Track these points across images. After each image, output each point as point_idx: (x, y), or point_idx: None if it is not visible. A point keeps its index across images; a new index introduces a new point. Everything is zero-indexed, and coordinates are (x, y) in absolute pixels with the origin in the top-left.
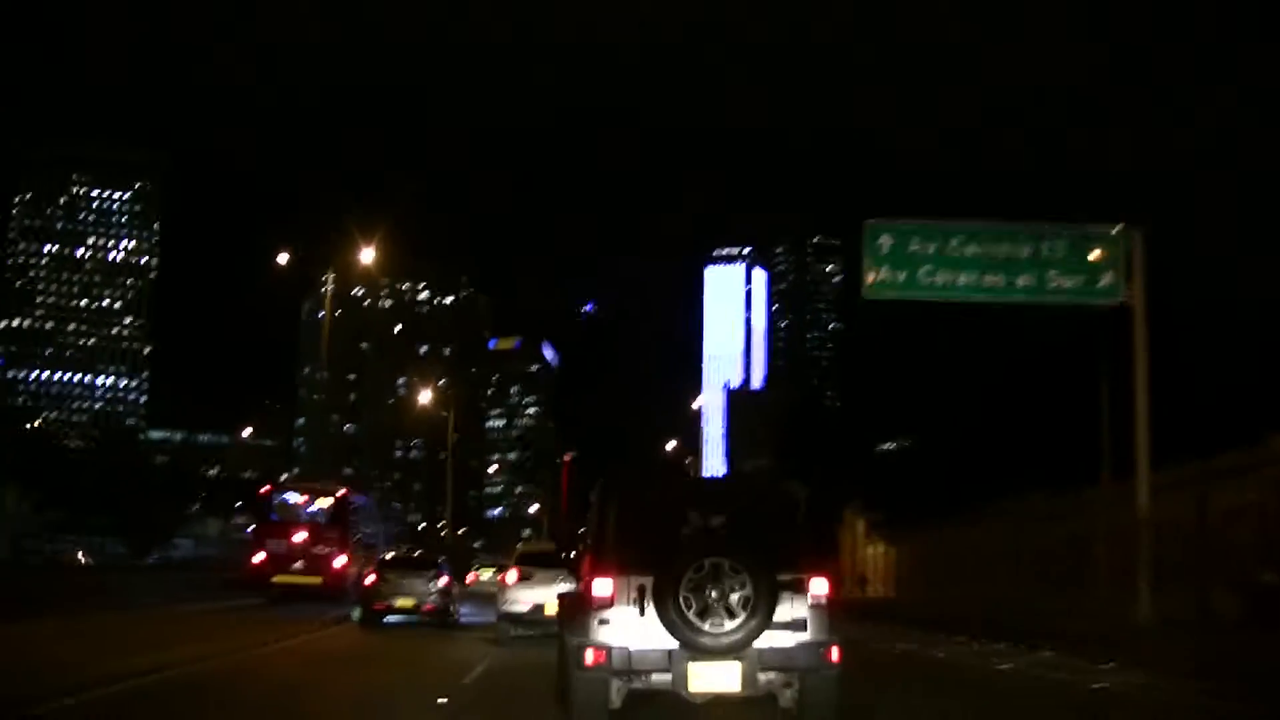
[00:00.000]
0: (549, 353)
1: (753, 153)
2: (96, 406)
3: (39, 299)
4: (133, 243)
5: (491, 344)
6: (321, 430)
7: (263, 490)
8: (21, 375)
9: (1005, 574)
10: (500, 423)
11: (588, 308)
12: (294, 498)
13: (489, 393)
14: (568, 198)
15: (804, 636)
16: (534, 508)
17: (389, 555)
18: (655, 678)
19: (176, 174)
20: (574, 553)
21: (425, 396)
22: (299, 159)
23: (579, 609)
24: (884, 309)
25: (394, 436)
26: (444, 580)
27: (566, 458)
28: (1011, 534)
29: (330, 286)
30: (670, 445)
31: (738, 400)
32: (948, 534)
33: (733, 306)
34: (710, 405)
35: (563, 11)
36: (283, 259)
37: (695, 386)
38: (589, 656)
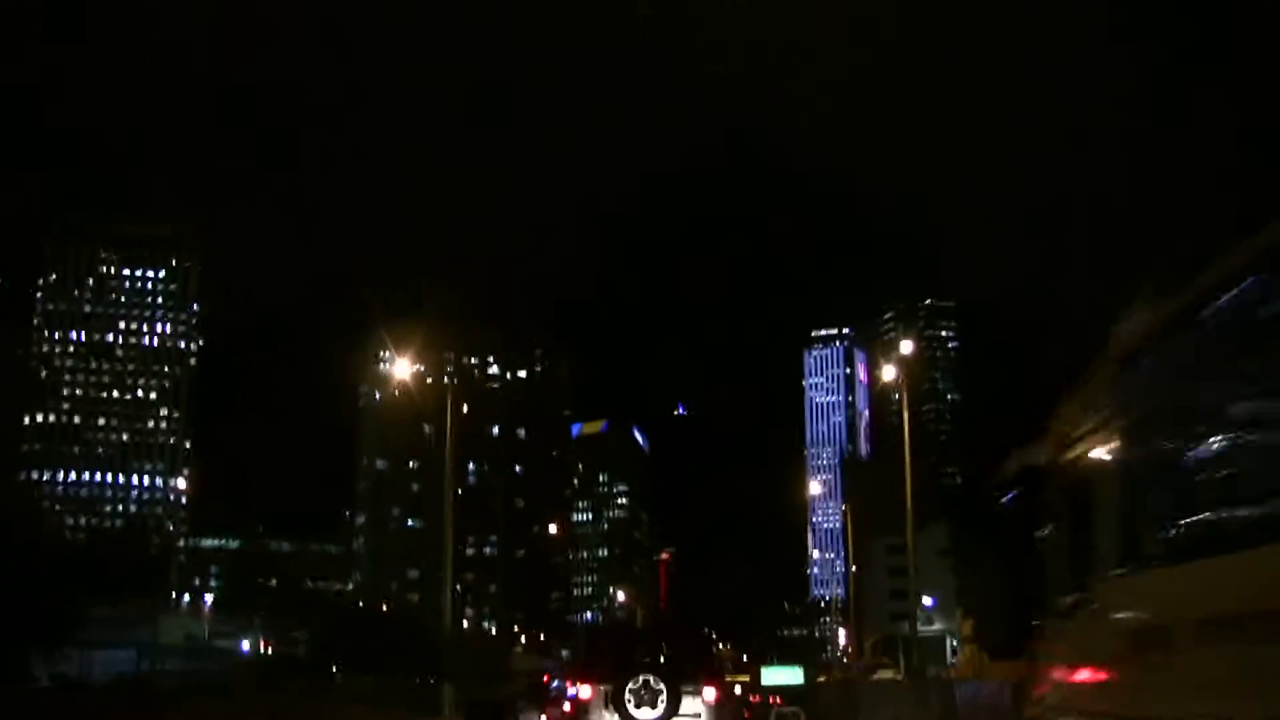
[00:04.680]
0: (639, 437)
1: (848, 217)
2: (131, 509)
3: (65, 391)
4: (169, 326)
5: (575, 430)
6: (381, 527)
7: (544, 679)
8: (47, 476)
9: None
10: (588, 515)
11: (679, 410)
12: (563, 683)
13: (575, 482)
14: (644, 267)
15: None
16: (620, 596)
17: None
18: None
19: (215, 249)
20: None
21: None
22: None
23: (574, 703)
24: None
25: (464, 531)
26: None
27: (664, 555)
28: None
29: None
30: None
31: (853, 476)
32: None
33: (834, 390)
34: (816, 489)
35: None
36: None
37: (799, 470)
38: None
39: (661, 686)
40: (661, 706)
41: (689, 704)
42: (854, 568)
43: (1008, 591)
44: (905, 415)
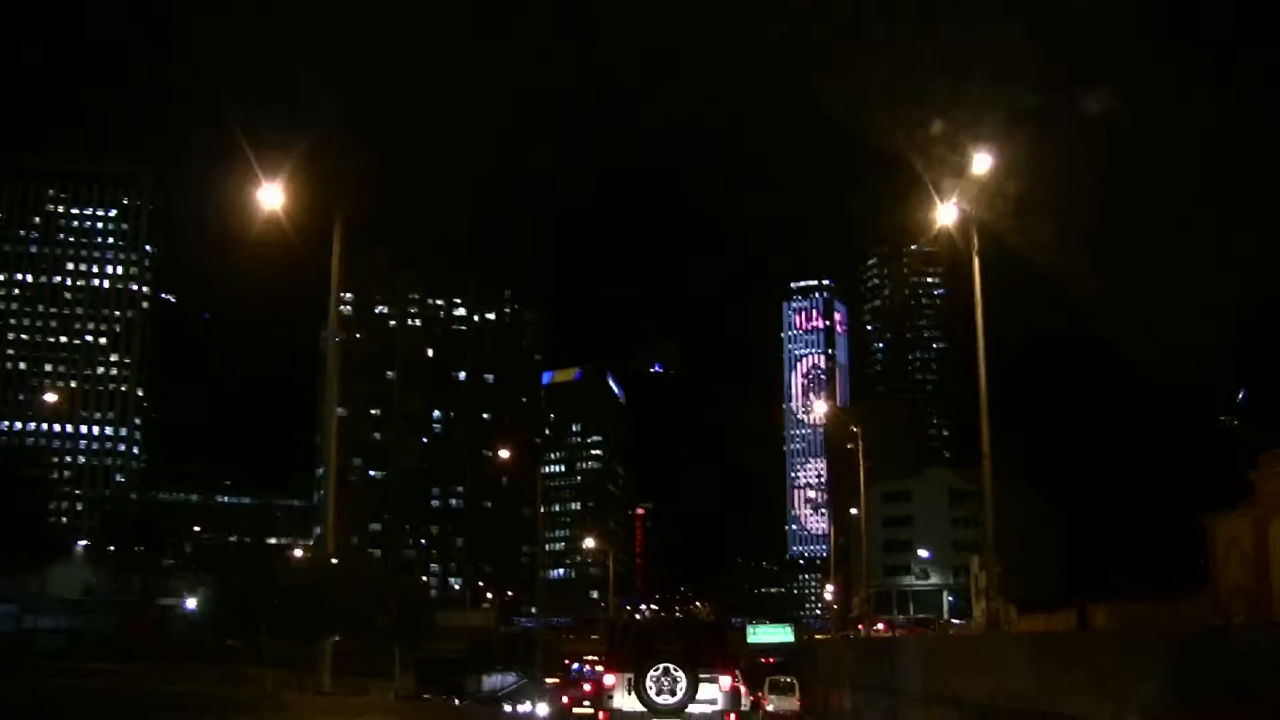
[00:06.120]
0: (614, 386)
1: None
2: (80, 460)
3: (11, 336)
4: (120, 268)
5: (547, 377)
6: (342, 478)
7: (567, 661)
8: None
9: None
10: (560, 468)
11: (656, 368)
12: (584, 666)
13: (545, 432)
14: (620, 216)
15: (716, 707)
16: (588, 542)
17: None
18: None
19: (169, 187)
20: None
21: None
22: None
23: (599, 689)
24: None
25: (429, 482)
26: None
27: (639, 510)
28: None
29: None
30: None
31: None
32: None
33: (814, 342)
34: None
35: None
36: None
37: (777, 424)
38: (601, 716)
39: (680, 674)
40: (680, 693)
41: (706, 690)
42: (854, 511)
43: (1050, 539)
44: (977, 280)
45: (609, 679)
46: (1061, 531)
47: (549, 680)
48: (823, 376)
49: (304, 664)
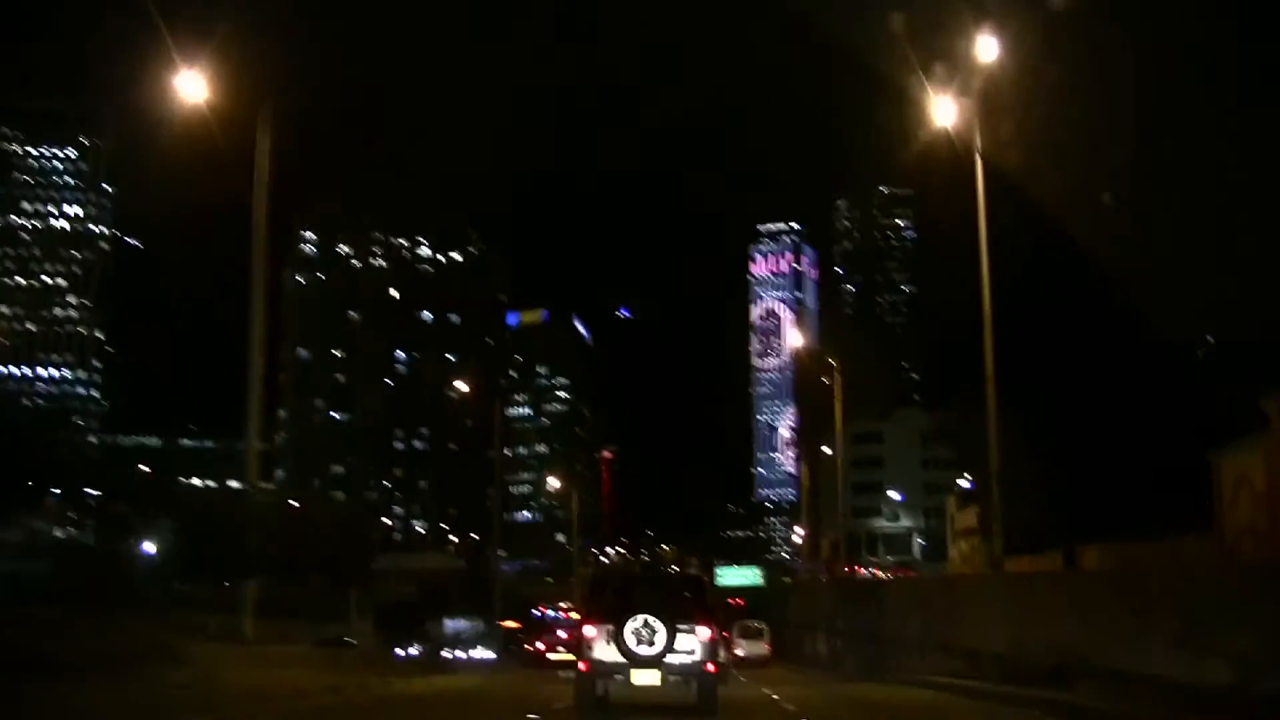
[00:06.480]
0: (582, 328)
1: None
2: (39, 404)
3: None
4: (79, 209)
5: (513, 319)
6: (304, 420)
7: (535, 609)
8: None
9: None
10: (526, 409)
11: (622, 312)
12: (555, 612)
13: (512, 374)
14: (584, 156)
15: (695, 657)
16: (550, 481)
17: None
18: (616, 677)
19: (128, 126)
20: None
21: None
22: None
23: (580, 641)
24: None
25: (392, 424)
26: None
27: (606, 454)
28: None
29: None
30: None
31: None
32: None
33: (783, 286)
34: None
35: None
36: None
37: (744, 368)
38: (582, 666)
39: (659, 625)
40: (660, 643)
41: (684, 641)
42: (827, 450)
43: (1038, 476)
44: (980, 180)
45: (589, 630)
46: (1050, 467)
47: (506, 624)
48: (791, 319)
49: (259, 610)
